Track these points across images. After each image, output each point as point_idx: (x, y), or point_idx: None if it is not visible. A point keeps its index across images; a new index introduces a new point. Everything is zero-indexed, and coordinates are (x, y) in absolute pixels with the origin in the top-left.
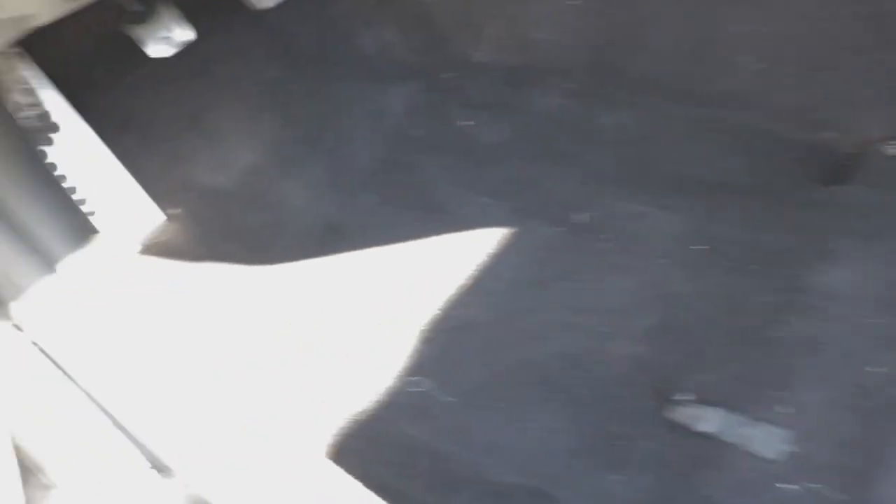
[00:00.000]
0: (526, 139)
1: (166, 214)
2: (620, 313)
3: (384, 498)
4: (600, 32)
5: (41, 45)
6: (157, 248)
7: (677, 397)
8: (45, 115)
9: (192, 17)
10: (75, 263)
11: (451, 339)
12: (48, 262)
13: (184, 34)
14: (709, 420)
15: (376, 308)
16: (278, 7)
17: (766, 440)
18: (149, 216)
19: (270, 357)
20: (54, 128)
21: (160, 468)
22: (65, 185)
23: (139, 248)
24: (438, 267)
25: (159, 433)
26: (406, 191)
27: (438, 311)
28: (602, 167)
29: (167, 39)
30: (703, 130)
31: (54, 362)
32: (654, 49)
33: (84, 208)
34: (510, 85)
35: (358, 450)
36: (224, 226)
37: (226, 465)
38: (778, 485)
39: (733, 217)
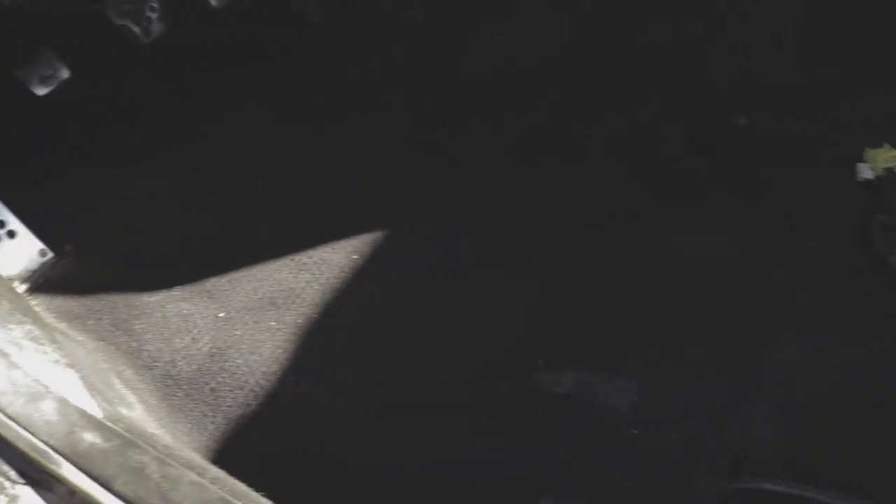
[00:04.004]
0: (409, 142)
1: (59, 251)
2: (504, 297)
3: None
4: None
5: None
6: (49, 284)
7: (539, 364)
8: None
9: (80, 53)
10: None
11: (330, 339)
12: None
13: (63, 71)
14: (566, 382)
15: (263, 310)
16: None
17: (618, 394)
18: (37, 253)
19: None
20: None
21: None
22: None
23: (27, 286)
24: (323, 275)
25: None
26: (299, 206)
27: (318, 315)
28: (482, 163)
29: (51, 77)
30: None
31: None
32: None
33: None
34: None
35: (239, 452)
36: (121, 257)
37: (108, 478)
38: (633, 431)
39: (610, 191)
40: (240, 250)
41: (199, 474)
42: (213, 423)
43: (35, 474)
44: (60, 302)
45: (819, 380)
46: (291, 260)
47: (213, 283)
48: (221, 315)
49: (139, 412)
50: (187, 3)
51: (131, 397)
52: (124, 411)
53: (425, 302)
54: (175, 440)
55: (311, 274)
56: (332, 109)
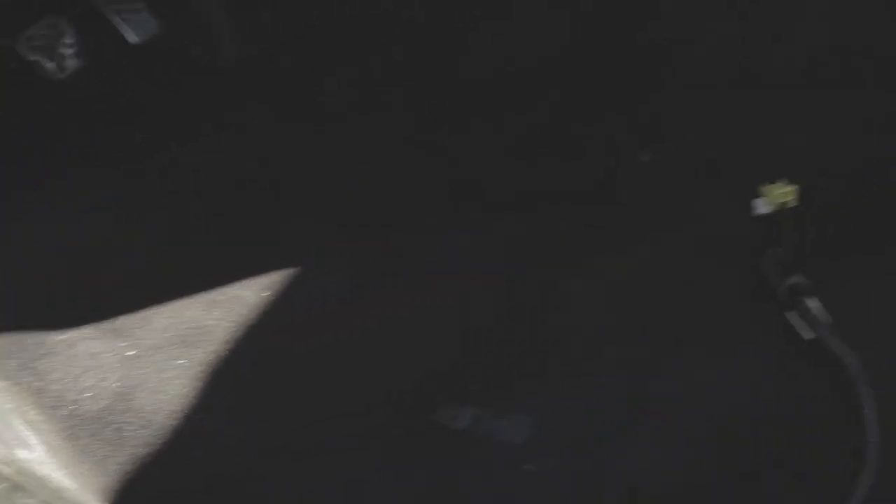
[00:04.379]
0: (346, 172)
1: None
2: (415, 331)
3: None
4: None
5: None
6: None
7: (440, 400)
8: None
9: None
10: None
11: (240, 376)
12: None
13: None
14: (465, 418)
15: (173, 348)
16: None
17: (515, 428)
18: None
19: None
20: None
21: None
22: None
23: None
24: (233, 311)
25: None
26: (213, 242)
27: (227, 352)
28: (416, 195)
29: None
30: (500, 156)
31: None
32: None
33: None
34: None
35: (143, 491)
36: (34, 294)
37: None
38: (526, 466)
39: (517, 230)
40: (153, 287)
41: None
42: (116, 462)
43: None
44: None
45: (710, 407)
46: (204, 297)
47: (124, 321)
48: (131, 353)
49: (39, 454)
50: (105, 39)
51: (33, 438)
52: (22, 453)
53: (333, 337)
54: (75, 482)
55: (223, 311)
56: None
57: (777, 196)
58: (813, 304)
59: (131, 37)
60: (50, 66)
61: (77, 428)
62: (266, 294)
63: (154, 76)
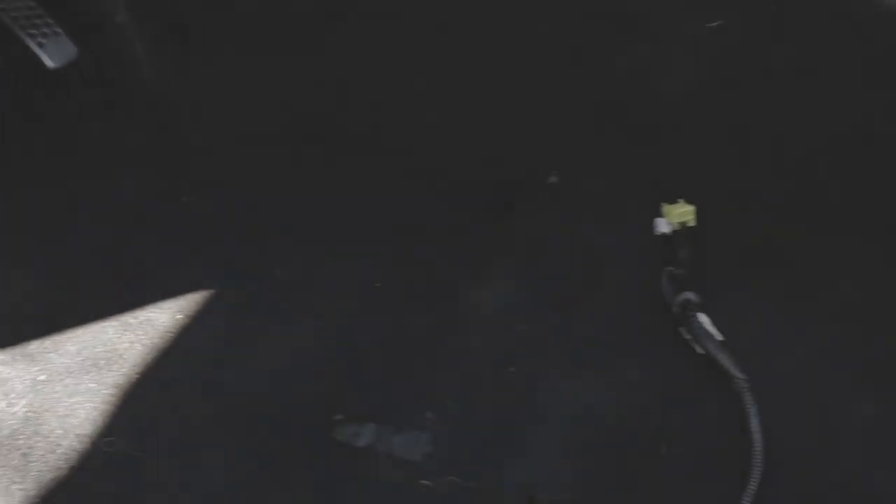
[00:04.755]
0: (240, 211)
1: None
2: (306, 355)
3: None
4: (300, 104)
5: None
6: None
7: (338, 418)
8: None
9: None
10: None
11: (148, 398)
12: None
13: None
14: (364, 435)
15: (84, 372)
16: None
17: (411, 445)
18: None
19: None
20: None
21: None
22: None
23: None
24: (146, 333)
25: None
26: (126, 270)
27: (138, 375)
28: (308, 227)
29: None
30: (396, 181)
31: None
32: (349, 111)
33: None
34: (228, 161)
35: None
36: None
37: None
38: (422, 482)
39: (414, 255)
40: (67, 311)
41: None
42: (21, 489)
43: None
44: None
45: (604, 418)
46: (118, 320)
47: (36, 346)
48: (42, 378)
49: None
50: (22, 64)
51: None
52: None
53: (236, 358)
54: None
55: (135, 334)
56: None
57: (676, 215)
58: (703, 319)
59: (48, 61)
60: None
61: None
62: (179, 317)
63: (70, 101)
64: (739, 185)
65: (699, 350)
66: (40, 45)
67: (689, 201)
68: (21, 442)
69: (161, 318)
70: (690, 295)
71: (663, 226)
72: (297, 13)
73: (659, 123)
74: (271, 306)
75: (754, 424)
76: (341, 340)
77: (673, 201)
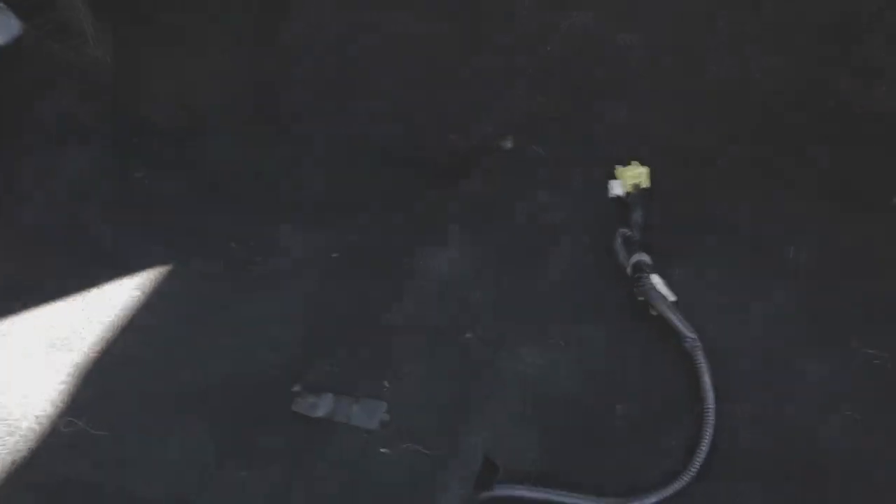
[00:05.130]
0: (196, 188)
1: None
2: (266, 328)
3: None
4: (252, 77)
5: None
6: None
7: (296, 390)
8: None
9: None
10: None
11: (108, 376)
12: None
13: None
14: (322, 406)
15: (43, 353)
16: None
17: (369, 414)
18: None
19: None
20: None
21: None
22: None
23: None
24: (105, 312)
25: None
26: (82, 248)
27: (96, 353)
28: (265, 203)
29: None
30: (350, 153)
31: None
32: (301, 85)
33: None
34: (182, 139)
35: (5, 497)
36: None
37: None
38: (381, 450)
39: (371, 225)
40: (26, 292)
41: None
42: None
43: None
44: None
45: (560, 379)
46: (74, 299)
47: None
48: None
49: None
50: None
51: None
52: None
53: (195, 333)
54: None
55: (93, 312)
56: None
57: (629, 177)
58: (656, 280)
59: None
60: None
61: None
62: (137, 294)
63: (16, 78)
64: (689, 149)
65: (652, 311)
66: None
67: (641, 164)
68: None
69: (119, 296)
70: (643, 256)
71: (617, 188)
72: None
73: (609, 87)
74: (229, 281)
75: (706, 383)
76: (299, 312)
77: (626, 164)
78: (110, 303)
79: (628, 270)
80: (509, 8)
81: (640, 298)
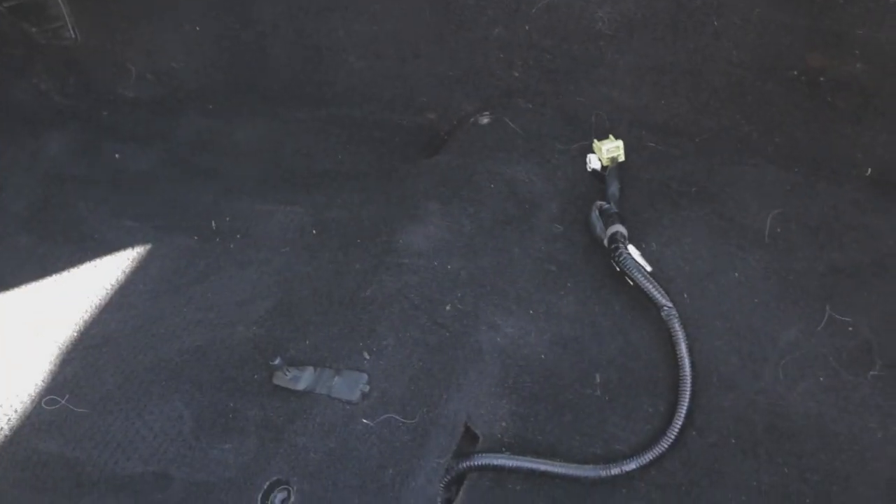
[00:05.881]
0: (171, 163)
1: None
2: (244, 303)
3: None
4: (226, 52)
5: None
6: None
7: (276, 364)
8: None
9: None
10: None
11: (88, 354)
12: None
13: None
14: (303, 379)
15: (25, 336)
16: None
17: (349, 386)
18: None
19: None
20: None
21: None
22: None
23: None
24: (83, 290)
25: None
26: (58, 228)
27: (76, 332)
28: (239, 177)
29: None
30: (325, 129)
31: None
32: (275, 60)
33: None
34: (156, 114)
35: None
36: None
37: None
38: (362, 420)
39: (347, 200)
40: (5, 277)
41: None
42: None
43: None
44: None
45: (541, 352)
46: (53, 279)
47: None
48: None
49: None
50: None
51: None
52: None
53: (173, 309)
54: None
55: (72, 292)
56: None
57: (606, 151)
58: (632, 251)
59: None
60: None
61: None
62: (116, 272)
63: None
64: (662, 121)
65: (629, 281)
66: None
67: (616, 137)
68: None
69: (97, 275)
70: (620, 228)
71: (594, 161)
72: None
73: (584, 62)
74: (208, 258)
75: (682, 350)
76: (279, 287)
77: (603, 137)
78: (88, 282)
79: (605, 242)
80: None
81: (618, 269)
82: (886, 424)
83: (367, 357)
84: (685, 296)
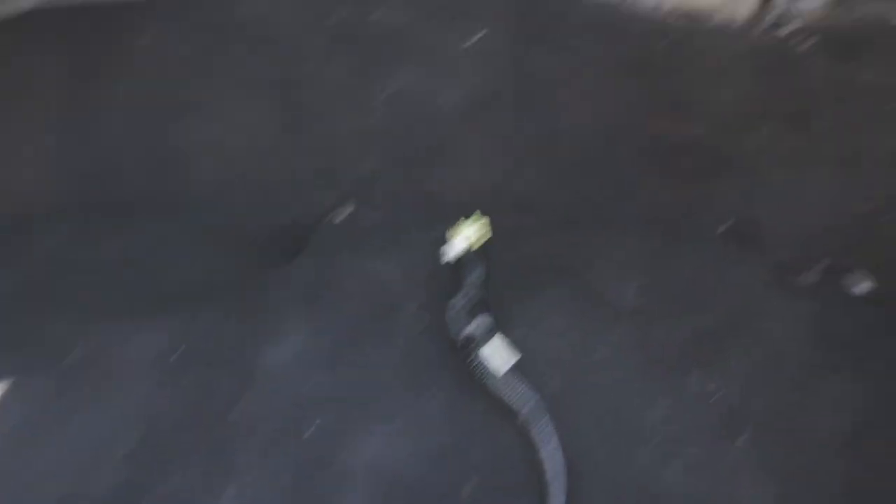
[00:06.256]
0: (26, 290)
1: None
2: (106, 443)
3: None
4: (76, 167)
5: None
6: None
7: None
8: None
9: None
10: None
11: None
12: None
13: None
14: None
15: None
16: None
17: None
18: None
19: None
20: None
21: None
22: None
23: None
24: None
25: None
26: None
27: None
28: (97, 301)
29: None
30: (181, 239)
31: None
32: (128, 171)
33: None
34: (8, 239)
35: None
36: None
37: None
38: None
39: (209, 318)
40: None
41: None
42: None
43: None
44: None
45: (406, 468)
46: None
47: None
48: None
49: None
50: None
51: None
52: None
53: (32, 456)
54: None
55: None
56: None
57: (465, 235)
58: (488, 351)
59: None
60: None
61: None
62: None
63: None
64: (518, 198)
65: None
66: None
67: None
68: None
69: None
70: (480, 322)
71: (451, 252)
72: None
73: (434, 146)
74: (66, 394)
75: (545, 454)
76: (140, 422)
77: (459, 221)
78: None
79: (459, 345)
80: (328, 78)
81: (478, 369)
82: (759, 488)
83: (231, 492)
84: (553, 380)
